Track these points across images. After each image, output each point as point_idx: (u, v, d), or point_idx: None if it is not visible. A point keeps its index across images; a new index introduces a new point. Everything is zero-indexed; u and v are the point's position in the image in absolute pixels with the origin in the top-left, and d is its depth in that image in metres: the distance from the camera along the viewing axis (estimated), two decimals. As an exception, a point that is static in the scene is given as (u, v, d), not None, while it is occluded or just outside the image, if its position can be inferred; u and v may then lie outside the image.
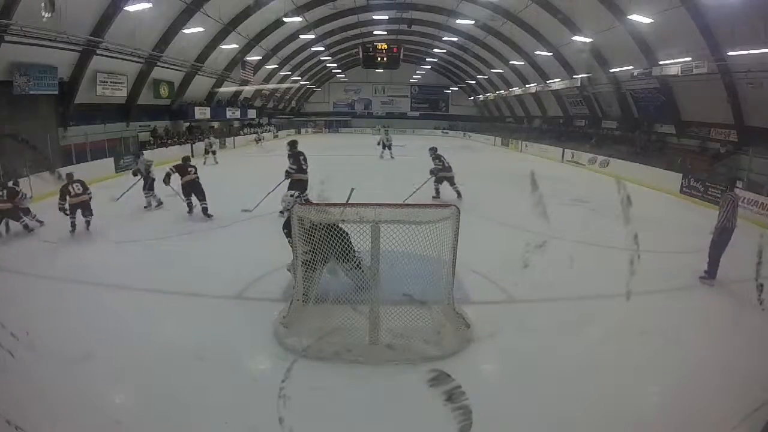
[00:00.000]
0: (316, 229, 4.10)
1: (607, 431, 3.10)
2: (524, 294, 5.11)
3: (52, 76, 12.25)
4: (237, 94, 26.78)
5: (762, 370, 3.63)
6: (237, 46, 20.78)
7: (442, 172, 10.05)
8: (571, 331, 4.31)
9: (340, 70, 39.41)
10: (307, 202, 6.54)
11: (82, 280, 5.46)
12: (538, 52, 21.78)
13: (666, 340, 4.17)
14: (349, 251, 4.22)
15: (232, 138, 25.73)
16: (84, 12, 12.08)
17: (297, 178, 8.27)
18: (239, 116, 27.65)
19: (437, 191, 10.11)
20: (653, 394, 3.50)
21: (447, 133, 40.81)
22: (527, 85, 26.35)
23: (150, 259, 6.35)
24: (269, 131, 32.85)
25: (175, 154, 18.68)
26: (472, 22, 22.16)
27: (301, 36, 23.83)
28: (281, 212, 7.34)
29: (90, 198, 7.53)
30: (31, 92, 11.66)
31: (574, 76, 20.53)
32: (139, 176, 9.51)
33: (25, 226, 7.31)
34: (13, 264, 5.76)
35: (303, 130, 38.56)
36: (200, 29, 16.68)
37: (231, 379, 3.55)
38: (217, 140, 20.96)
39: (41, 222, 7.69)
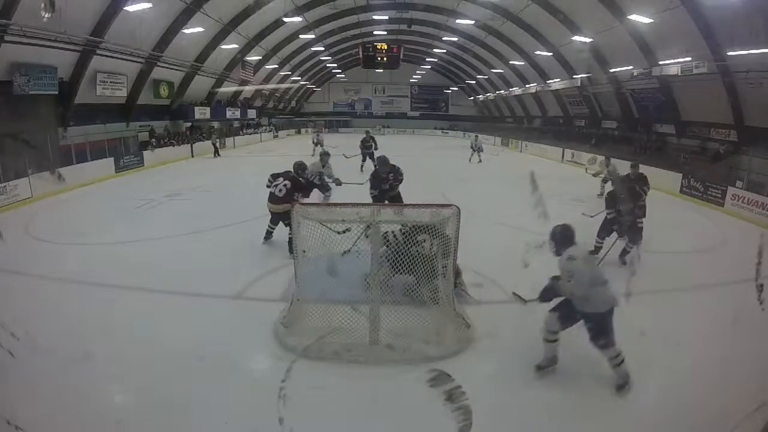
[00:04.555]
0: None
1: (606, 431, 3.10)
2: (524, 294, 5.09)
3: (52, 76, 12.26)
4: (237, 94, 26.77)
5: (762, 371, 3.63)
6: (237, 46, 20.78)
7: None
8: (570, 331, 4.30)
9: (340, 70, 39.40)
10: None
11: (82, 280, 5.46)
12: (538, 52, 21.78)
13: (666, 340, 4.17)
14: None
15: (232, 138, 25.74)
16: (84, 12, 12.06)
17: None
18: (239, 116, 27.66)
19: None
20: (653, 395, 3.50)
21: (447, 133, 40.81)
22: (527, 85, 26.35)
23: (150, 258, 6.34)
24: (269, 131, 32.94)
25: (179, 153, 18.83)
26: (472, 22, 22.16)
27: (301, 36, 23.82)
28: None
29: None
30: (31, 92, 11.65)
31: (574, 76, 20.52)
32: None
33: None
34: (13, 264, 5.76)
35: (303, 130, 38.61)
36: (200, 29, 16.67)
37: (231, 379, 3.54)
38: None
39: None
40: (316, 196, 7.94)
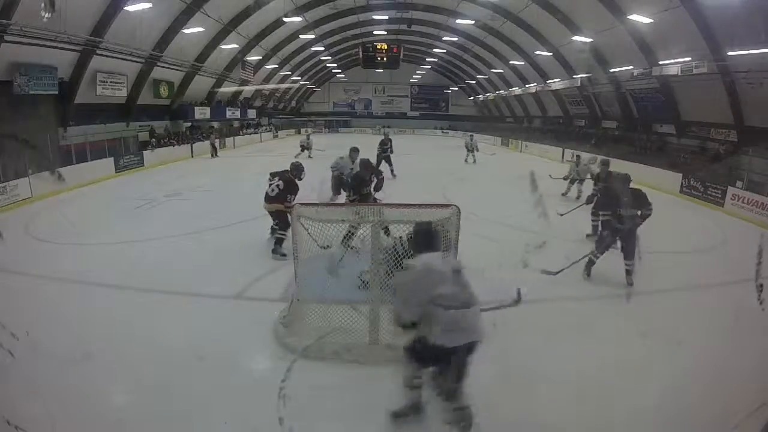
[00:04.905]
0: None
1: (606, 431, 3.10)
2: (524, 294, 5.09)
3: (52, 76, 12.27)
4: (237, 94, 26.78)
5: (762, 371, 3.64)
6: (237, 46, 20.79)
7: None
8: (570, 332, 4.31)
9: (340, 70, 39.44)
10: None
11: (82, 280, 5.46)
12: (538, 52, 21.79)
13: (666, 340, 4.17)
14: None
15: (233, 138, 25.74)
16: (84, 12, 12.07)
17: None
18: (239, 116, 27.67)
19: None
20: (653, 395, 3.50)
21: (447, 133, 40.83)
22: (527, 85, 26.35)
23: (150, 259, 6.34)
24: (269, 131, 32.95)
25: (179, 153, 18.82)
26: (472, 22, 22.19)
27: (301, 36, 23.85)
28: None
29: None
30: (31, 92, 11.66)
31: (574, 76, 20.53)
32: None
33: None
34: (13, 264, 5.75)
35: (303, 130, 38.64)
36: (200, 29, 16.70)
37: (231, 378, 3.54)
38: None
39: None
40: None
